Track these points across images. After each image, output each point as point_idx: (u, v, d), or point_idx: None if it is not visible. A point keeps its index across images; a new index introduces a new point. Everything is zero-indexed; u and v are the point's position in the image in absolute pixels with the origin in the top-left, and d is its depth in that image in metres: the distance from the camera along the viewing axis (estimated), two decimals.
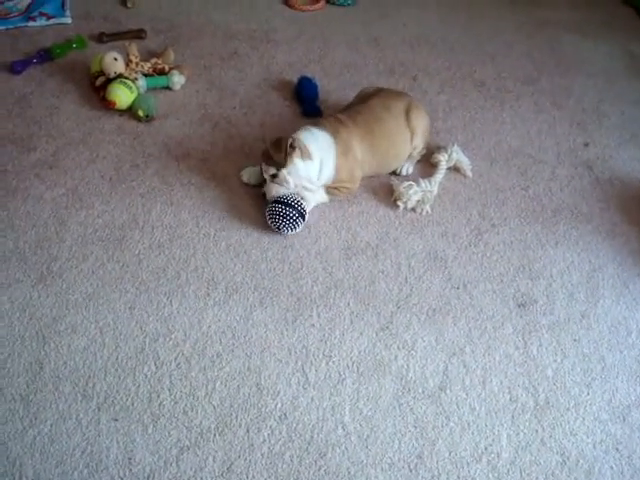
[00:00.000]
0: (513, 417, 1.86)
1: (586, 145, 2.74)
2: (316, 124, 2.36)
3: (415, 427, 1.82)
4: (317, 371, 1.91)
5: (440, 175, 2.47)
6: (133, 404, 1.80)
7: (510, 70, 3.10)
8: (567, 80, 3.08)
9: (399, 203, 2.37)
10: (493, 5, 3.57)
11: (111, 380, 1.85)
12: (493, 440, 1.81)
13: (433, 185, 2.42)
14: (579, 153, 2.70)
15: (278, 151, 2.21)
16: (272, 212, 2.21)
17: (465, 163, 2.53)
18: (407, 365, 1.95)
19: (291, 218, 2.20)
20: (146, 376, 1.87)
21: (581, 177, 2.60)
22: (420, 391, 1.89)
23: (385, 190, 2.44)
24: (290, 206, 2.21)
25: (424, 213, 2.37)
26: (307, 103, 2.74)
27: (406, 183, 2.39)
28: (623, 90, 3.06)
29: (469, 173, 2.52)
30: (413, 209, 2.38)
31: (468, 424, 1.84)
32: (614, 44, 3.36)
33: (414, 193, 2.37)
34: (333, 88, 2.86)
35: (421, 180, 2.41)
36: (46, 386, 1.83)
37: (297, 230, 2.24)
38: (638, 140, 2.79)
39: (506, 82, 3.03)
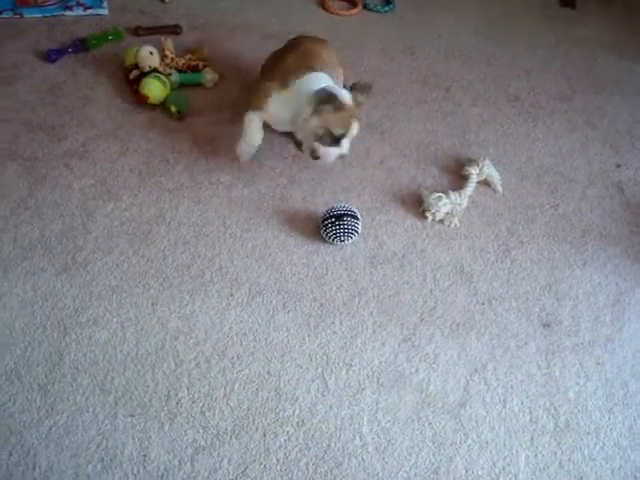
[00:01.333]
0: (532, 438, 1.84)
1: (618, 166, 2.71)
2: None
3: (433, 442, 1.80)
4: (337, 379, 1.90)
5: (470, 188, 2.44)
6: (151, 401, 1.80)
7: (545, 86, 3.07)
8: (601, 100, 3.05)
9: (427, 214, 2.35)
10: (531, 20, 3.53)
11: (130, 375, 1.85)
12: (511, 460, 1.79)
13: (463, 198, 2.39)
14: (611, 174, 2.67)
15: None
16: (344, 226, 2.21)
17: (496, 178, 2.50)
18: (428, 379, 1.93)
19: (357, 228, 2.24)
20: (165, 373, 1.86)
21: (612, 198, 2.56)
22: (440, 406, 1.87)
23: (413, 200, 2.42)
24: (357, 218, 2.24)
25: (452, 226, 2.35)
26: None
27: (436, 194, 2.36)
28: None
29: (499, 188, 2.50)
30: (441, 221, 2.36)
31: (487, 442, 1.82)
32: None
33: (443, 205, 2.34)
34: None
35: (451, 192, 2.39)
36: (65, 377, 1.82)
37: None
38: None
39: (540, 98, 3.00)
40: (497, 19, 3.50)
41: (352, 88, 2.32)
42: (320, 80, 2.29)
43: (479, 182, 2.49)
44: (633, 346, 2.09)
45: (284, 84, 2.31)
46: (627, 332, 2.12)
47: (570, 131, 2.84)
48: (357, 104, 2.29)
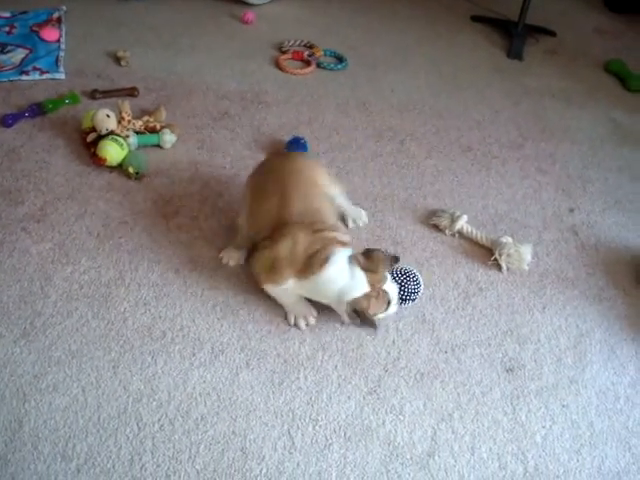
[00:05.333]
0: None
1: (571, 211, 2.77)
2: None
3: None
4: (303, 435, 1.88)
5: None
6: (114, 466, 1.76)
7: (496, 136, 3.15)
8: (552, 146, 3.14)
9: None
10: (480, 73, 3.64)
11: (92, 441, 1.80)
12: None
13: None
14: (564, 218, 2.73)
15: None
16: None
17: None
18: (395, 430, 1.92)
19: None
20: (128, 438, 1.82)
21: (567, 242, 2.62)
22: (408, 457, 1.86)
23: None
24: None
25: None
26: None
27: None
28: (606, 157, 3.12)
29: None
30: None
31: None
32: (597, 111, 3.44)
33: None
34: (323, 150, 2.89)
35: None
36: (25, 445, 1.78)
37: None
38: (622, 206, 2.84)
39: (492, 147, 3.07)
40: (447, 74, 3.60)
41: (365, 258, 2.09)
42: (341, 271, 2.05)
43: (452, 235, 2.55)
44: (596, 386, 2.11)
45: (300, 273, 2.08)
46: (590, 373, 2.15)
47: (522, 178, 2.91)
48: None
